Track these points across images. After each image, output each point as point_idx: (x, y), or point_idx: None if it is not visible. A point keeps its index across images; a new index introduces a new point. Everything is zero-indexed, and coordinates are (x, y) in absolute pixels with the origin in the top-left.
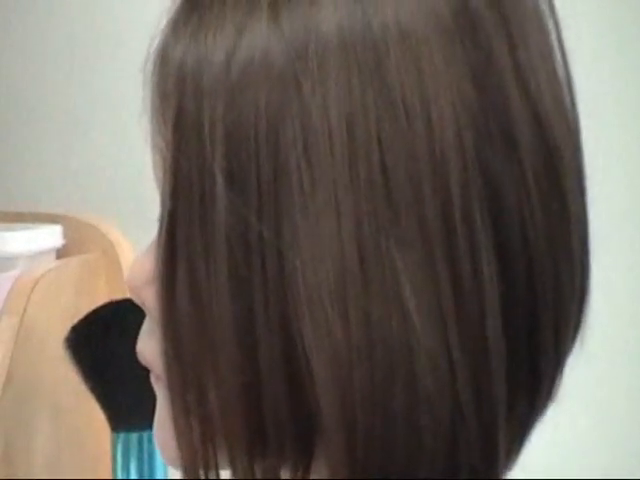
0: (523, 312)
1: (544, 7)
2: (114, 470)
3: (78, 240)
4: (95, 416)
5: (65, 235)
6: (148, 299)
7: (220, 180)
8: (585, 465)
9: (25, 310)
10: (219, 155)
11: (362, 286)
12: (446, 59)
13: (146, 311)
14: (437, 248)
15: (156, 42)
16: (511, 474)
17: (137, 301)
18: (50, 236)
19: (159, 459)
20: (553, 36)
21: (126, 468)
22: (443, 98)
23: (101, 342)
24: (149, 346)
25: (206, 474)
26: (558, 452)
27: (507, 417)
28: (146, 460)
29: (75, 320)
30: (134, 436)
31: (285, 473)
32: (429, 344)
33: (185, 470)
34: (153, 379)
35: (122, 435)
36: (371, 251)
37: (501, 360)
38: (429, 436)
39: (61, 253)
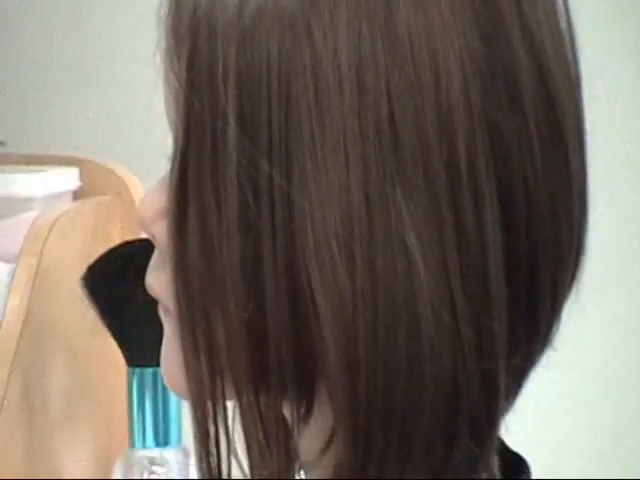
0: (523, 262)
1: None
2: (130, 404)
3: (94, 183)
4: (111, 353)
5: (81, 178)
6: (159, 233)
7: (232, 121)
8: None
9: (42, 250)
10: (231, 97)
11: (368, 232)
12: (454, 11)
13: (156, 245)
14: (442, 197)
15: None
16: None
17: (147, 234)
18: (66, 178)
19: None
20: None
21: (141, 403)
22: (450, 49)
23: (117, 280)
24: (158, 279)
25: (213, 406)
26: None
27: (506, 364)
28: (160, 394)
29: (91, 260)
30: (149, 371)
31: (288, 411)
32: (432, 290)
33: (193, 401)
34: (161, 311)
35: (137, 370)
36: (377, 199)
37: (502, 307)
38: (431, 380)
39: (77, 195)
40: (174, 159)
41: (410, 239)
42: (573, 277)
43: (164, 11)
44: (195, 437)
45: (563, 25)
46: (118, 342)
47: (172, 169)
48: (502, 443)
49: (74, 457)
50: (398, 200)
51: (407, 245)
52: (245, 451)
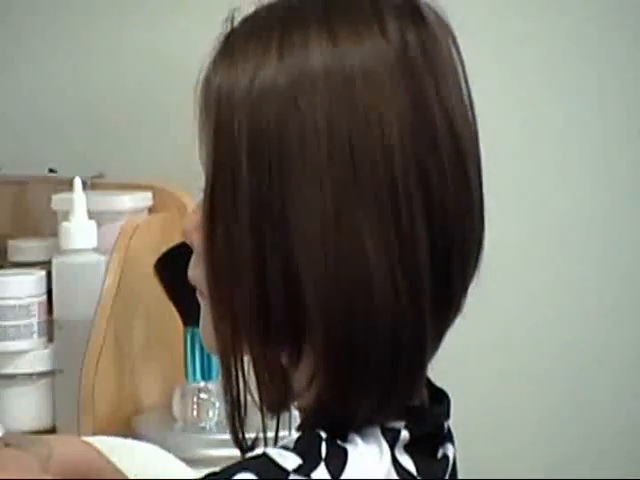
0: (442, 254)
1: (454, 53)
2: (185, 351)
3: (162, 202)
4: (173, 316)
5: (153, 199)
6: (195, 240)
7: (244, 164)
8: None
9: (128, 247)
10: (243, 147)
11: (336, 232)
12: (393, 89)
13: (194, 249)
14: (386, 210)
15: (202, 74)
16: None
17: (188, 242)
18: (144, 199)
19: None
20: (460, 72)
21: (192, 350)
22: (392, 114)
23: (176, 267)
24: (196, 272)
25: (234, 358)
26: None
27: (431, 323)
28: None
29: (159, 254)
30: (197, 330)
31: (284, 359)
32: (380, 273)
33: (220, 355)
34: (198, 294)
35: (190, 328)
36: (342, 210)
37: (427, 285)
38: (380, 333)
39: (151, 211)
40: (205, 191)
41: (364, 236)
42: (476, 264)
43: (199, 86)
44: (222, 378)
45: (465, 94)
46: (177, 309)
47: (204, 197)
48: (429, 381)
49: (148, 386)
50: (356, 211)
51: (363, 242)
52: (256, 387)
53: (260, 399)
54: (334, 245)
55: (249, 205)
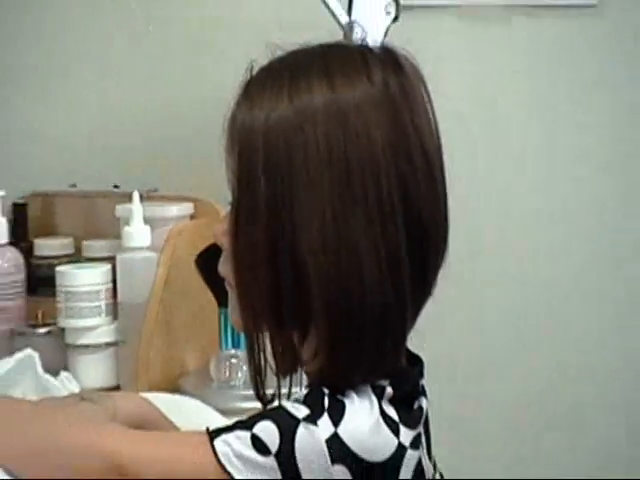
0: (418, 248)
1: (425, 94)
2: (219, 326)
3: (201, 211)
4: (210, 298)
5: (194, 208)
6: (225, 243)
7: (261, 181)
8: None
9: (174, 246)
10: (260, 169)
11: (334, 233)
12: (378, 118)
13: (223, 249)
14: (374, 213)
15: (229, 113)
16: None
17: (218, 243)
18: (187, 208)
19: None
20: (428, 106)
21: (225, 326)
22: (377, 136)
23: (210, 261)
24: (225, 268)
25: (256, 335)
26: None
27: (410, 302)
28: None
29: (198, 251)
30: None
31: (295, 336)
32: (369, 263)
33: (245, 333)
34: (227, 285)
35: (223, 309)
36: (339, 215)
37: (407, 270)
38: (370, 311)
39: (192, 217)
40: (232, 204)
41: (357, 236)
42: (443, 256)
43: (226, 122)
44: (246, 350)
45: (432, 120)
46: (212, 294)
47: (231, 208)
48: (407, 349)
49: (191, 354)
50: (351, 218)
51: (356, 241)
52: (272, 357)
53: (276, 366)
54: (333, 244)
55: (265, 214)
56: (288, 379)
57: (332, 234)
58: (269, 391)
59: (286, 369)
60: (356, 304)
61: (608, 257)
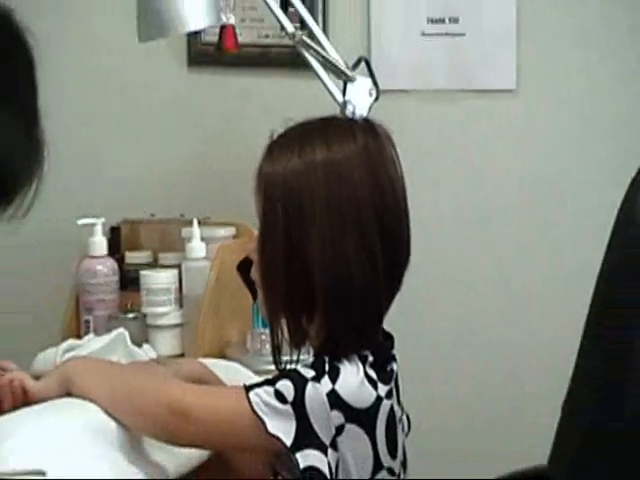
0: (389, 254)
1: (393, 151)
2: (252, 314)
3: (240, 232)
4: (247, 294)
5: (236, 230)
6: (254, 257)
7: (280, 215)
8: None
9: (222, 257)
10: (279, 206)
11: (332, 248)
12: (360, 169)
13: (253, 261)
14: (360, 235)
15: (258, 165)
16: None
17: (250, 257)
18: (230, 230)
19: None
20: (396, 159)
21: (257, 313)
22: (360, 183)
23: (247, 268)
24: (255, 275)
25: (276, 321)
26: None
27: (384, 291)
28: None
29: (238, 261)
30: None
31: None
32: (357, 268)
33: (269, 320)
34: (257, 286)
35: (255, 303)
36: (336, 237)
37: (381, 271)
38: (356, 297)
39: (234, 237)
40: (260, 228)
41: (349, 251)
42: (407, 261)
43: (255, 173)
44: (269, 331)
45: (399, 170)
46: (249, 291)
47: (259, 233)
48: (383, 328)
49: (233, 331)
50: (344, 238)
51: (348, 253)
52: (287, 335)
53: (290, 341)
54: (330, 256)
55: (282, 237)
56: (298, 351)
57: (330, 249)
58: (285, 358)
59: (297, 343)
60: (346, 297)
61: None
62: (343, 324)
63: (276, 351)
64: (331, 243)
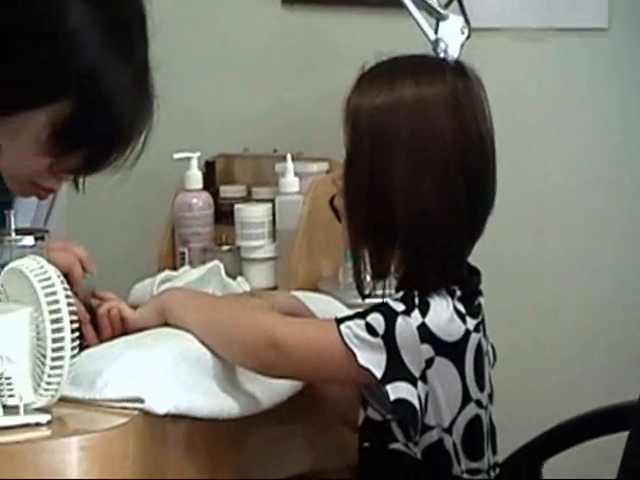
0: (472, 198)
1: (482, 95)
2: (345, 250)
3: (333, 167)
4: (340, 228)
5: (329, 165)
6: (339, 185)
7: (365, 145)
8: None
9: (314, 191)
10: (365, 138)
11: (414, 186)
12: (447, 110)
13: (337, 189)
14: (442, 175)
15: (346, 97)
16: None
17: (334, 184)
18: (323, 166)
19: None
20: (485, 104)
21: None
22: (445, 123)
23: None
24: (339, 202)
25: (360, 253)
26: None
27: (467, 235)
28: None
29: (331, 195)
30: None
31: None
32: (438, 204)
33: (352, 251)
34: (340, 215)
35: None
36: (418, 175)
37: (464, 211)
38: (438, 233)
39: (327, 171)
40: (345, 160)
41: (428, 188)
42: (491, 205)
43: (344, 103)
44: (353, 263)
45: (486, 110)
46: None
47: (344, 162)
48: (469, 263)
49: (326, 265)
50: (426, 177)
51: (428, 191)
52: (370, 268)
53: (372, 272)
54: (411, 190)
55: (367, 167)
56: (381, 282)
57: (410, 184)
58: (368, 289)
59: (380, 275)
60: (425, 232)
61: None
62: (421, 259)
63: (359, 282)
64: (411, 178)
